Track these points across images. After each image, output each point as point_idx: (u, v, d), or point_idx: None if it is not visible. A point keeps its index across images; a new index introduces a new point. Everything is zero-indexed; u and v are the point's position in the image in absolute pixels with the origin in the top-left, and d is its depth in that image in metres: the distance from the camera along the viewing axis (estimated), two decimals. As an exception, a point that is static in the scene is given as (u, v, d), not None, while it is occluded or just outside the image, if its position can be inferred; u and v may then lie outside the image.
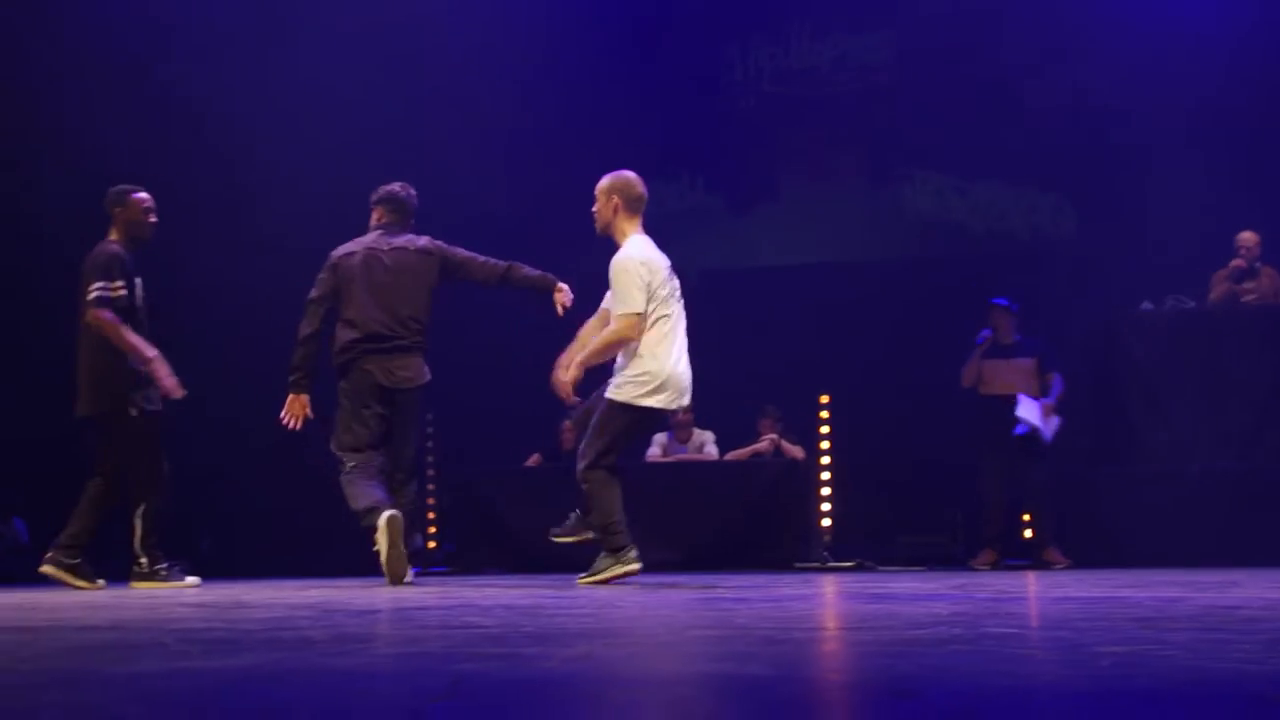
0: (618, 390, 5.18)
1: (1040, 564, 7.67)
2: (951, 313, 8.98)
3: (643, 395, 5.16)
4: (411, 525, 5.54)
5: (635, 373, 5.16)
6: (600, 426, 5.19)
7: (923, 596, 3.84)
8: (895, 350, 9.40)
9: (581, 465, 5.19)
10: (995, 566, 7.63)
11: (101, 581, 5.82)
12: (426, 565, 8.84)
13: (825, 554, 7.96)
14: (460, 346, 9.92)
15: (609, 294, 5.33)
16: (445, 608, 3.54)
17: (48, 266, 8.21)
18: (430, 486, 9.27)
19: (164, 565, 5.82)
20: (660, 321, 5.17)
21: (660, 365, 5.15)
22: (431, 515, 9.26)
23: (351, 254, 5.72)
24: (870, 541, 8.45)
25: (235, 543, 9.05)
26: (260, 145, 9.24)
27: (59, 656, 2.13)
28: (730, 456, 8.50)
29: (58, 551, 5.75)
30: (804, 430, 8.56)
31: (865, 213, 10.31)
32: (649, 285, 5.13)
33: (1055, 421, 7.80)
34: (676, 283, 5.33)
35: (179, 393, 5.67)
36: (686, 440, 8.58)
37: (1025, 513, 8.12)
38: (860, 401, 9.05)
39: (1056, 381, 7.91)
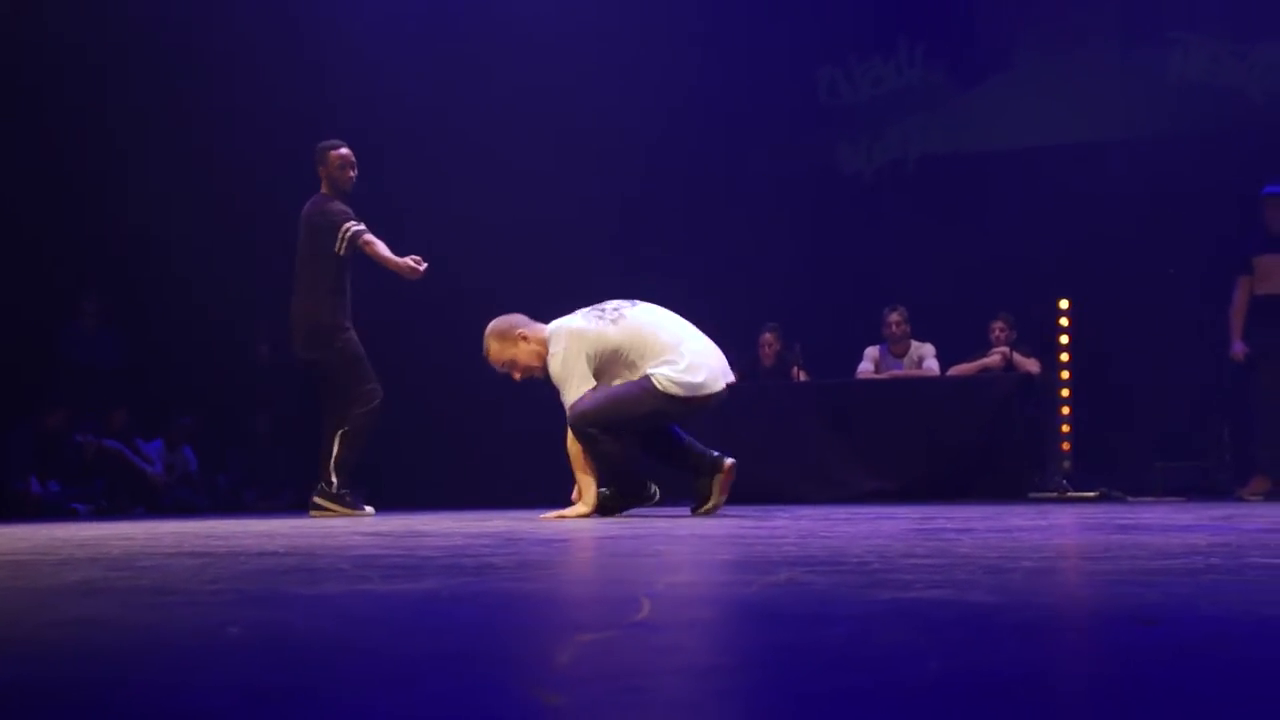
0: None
1: (1326, 493, 7.44)
2: (1219, 198, 8.64)
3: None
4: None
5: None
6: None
7: (1178, 527, 3.80)
8: (1149, 244, 9.12)
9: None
10: (1271, 496, 7.42)
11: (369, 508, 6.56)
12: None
13: (1064, 482, 7.88)
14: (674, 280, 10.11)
15: None
16: (636, 537, 3.69)
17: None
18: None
19: (347, 491, 6.50)
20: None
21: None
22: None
23: None
24: (1117, 468, 8.36)
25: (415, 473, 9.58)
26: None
27: (241, 579, 2.34)
28: (954, 371, 8.44)
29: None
30: (1040, 340, 8.41)
31: (1119, 83, 9.95)
32: (588, 354, 5.33)
33: None
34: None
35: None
36: (903, 354, 8.54)
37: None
38: (1107, 306, 8.85)
39: None
